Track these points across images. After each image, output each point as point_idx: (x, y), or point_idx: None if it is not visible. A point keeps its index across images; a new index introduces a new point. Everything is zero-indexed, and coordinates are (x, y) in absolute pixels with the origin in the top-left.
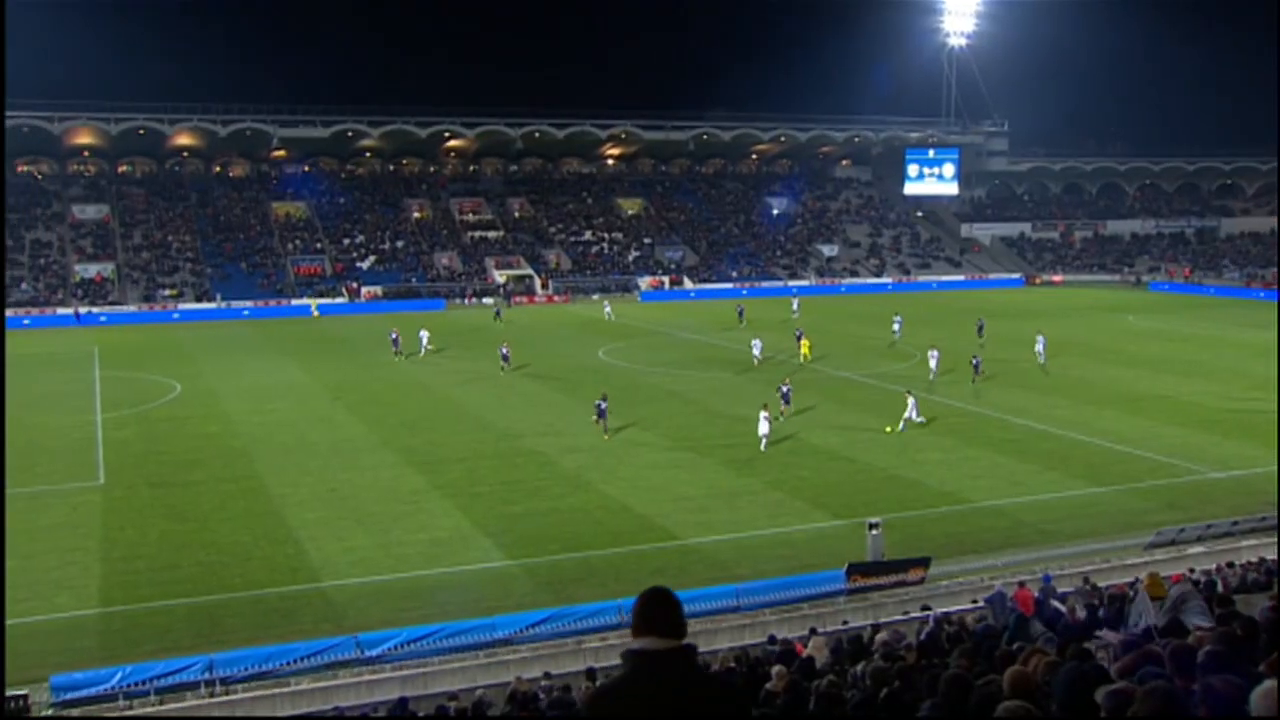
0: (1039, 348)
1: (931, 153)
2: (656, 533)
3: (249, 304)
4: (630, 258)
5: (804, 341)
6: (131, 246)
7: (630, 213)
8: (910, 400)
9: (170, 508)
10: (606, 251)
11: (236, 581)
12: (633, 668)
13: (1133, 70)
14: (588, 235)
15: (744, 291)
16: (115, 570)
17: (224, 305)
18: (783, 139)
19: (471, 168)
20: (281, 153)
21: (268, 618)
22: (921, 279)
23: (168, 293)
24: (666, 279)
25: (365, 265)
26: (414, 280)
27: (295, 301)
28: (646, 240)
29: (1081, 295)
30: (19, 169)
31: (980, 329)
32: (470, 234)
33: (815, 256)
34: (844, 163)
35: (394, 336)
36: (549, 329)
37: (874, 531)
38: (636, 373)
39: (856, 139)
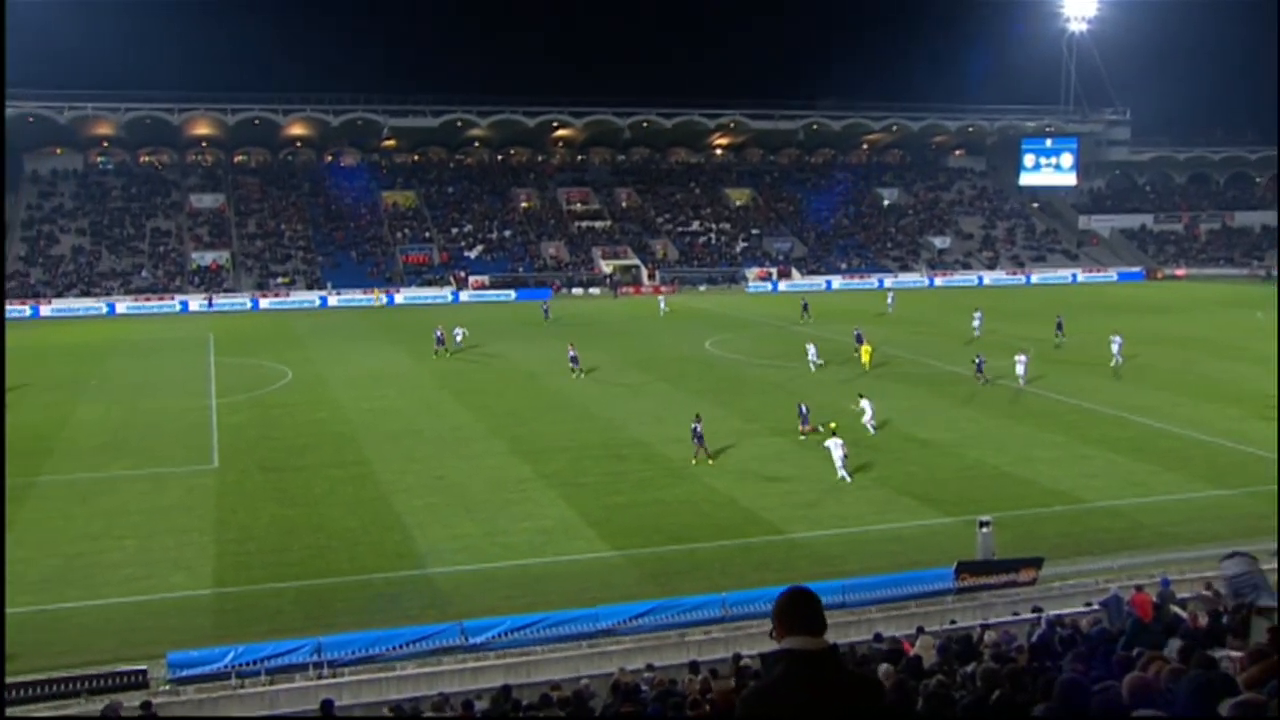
0: (1114, 348)
1: (1049, 142)
2: (762, 526)
3: (296, 294)
4: (738, 249)
5: (865, 347)
6: (246, 235)
7: (738, 203)
8: (865, 404)
9: (281, 492)
10: (714, 242)
11: (345, 566)
12: (787, 668)
13: (1264, 54)
14: (695, 225)
15: (842, 284)
16: (228, 552)
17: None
18: (894, 128)
19: (579, 157)
20: (391, 142)
21: (374, 602)
22: (1037, 272)
23: (280, 280)
24: (774, 270)
25: (473, 255)
26: (521, 270)
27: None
28: (754, 231)
29: (1206, 290)
30: (141, 159)
31: (1059, 326)
32: (577, 224)
33: (926, 249)
34: (957, 153)
35: (438, 334)
36: (655, 319)
37: (984, 529)
38: (742, 364)
39: (970, 128)
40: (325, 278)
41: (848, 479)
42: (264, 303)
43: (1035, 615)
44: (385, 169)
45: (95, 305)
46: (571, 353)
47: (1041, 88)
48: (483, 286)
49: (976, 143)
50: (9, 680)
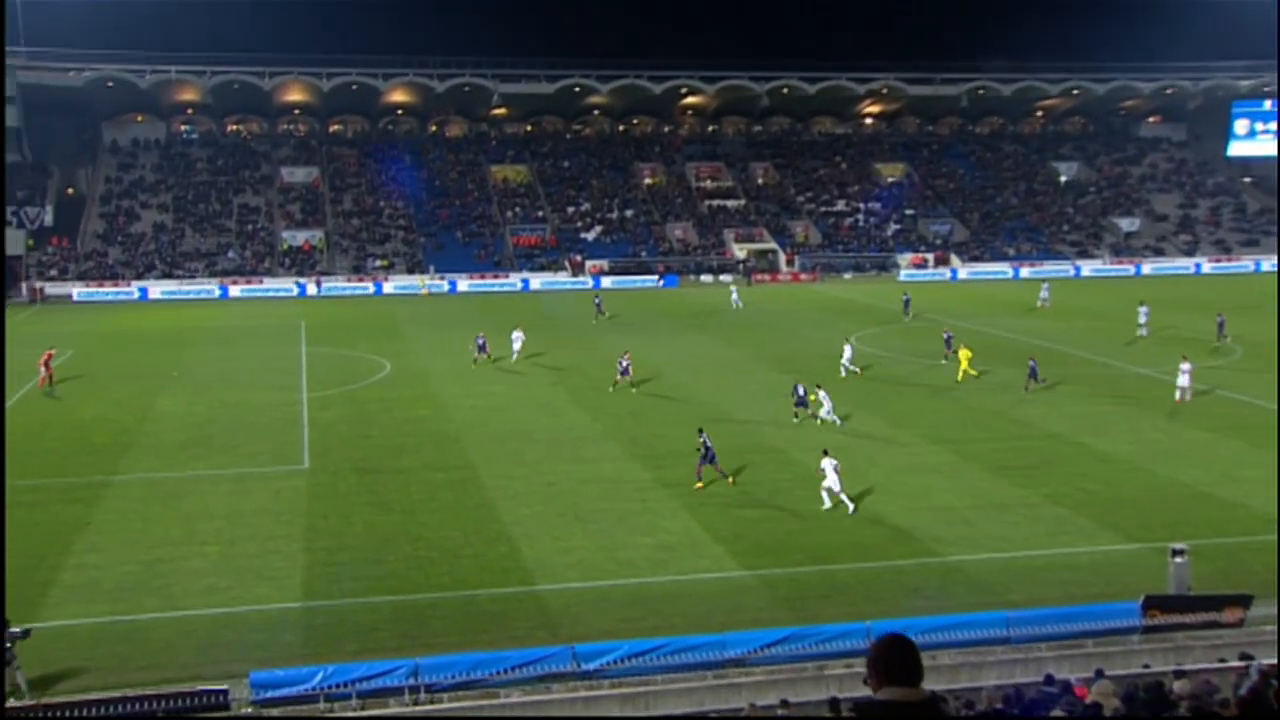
0: None
1: (1268, 104)
2: (912, 547)
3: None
4: (889, 231)
5: (964, 352)
6: (341, 212)
7: (890, 179)
8: (822, 394)
9: (376, 496)
10: (862, 224)
11: (445, 580)
12: None
13: None
14: (840, 205)
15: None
16: (318, 561)
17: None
18: (1075, 92)
19: (710, 128)
20: (502, 111)
21: (477, 621)
22: (1248, 260)
23: (379, 263)
24: (931, 256)
25: (590, 236)
26: (644, 254)
27: (402, 280)
28: (909, 211)
29: None
30: (228, 129)
31: (1221, 326)
32: (707, 203)
33: (1111, 232)
34: (1151, 119)
35: (480, 341)
36: (794, 311)
37: (1178, 559)
38: (890, 362)
39: (1169, 90)
40: (428, 260)
41: (850, 506)
42: (387, 287)
43: (1243, 663)
44: (495, 140)
45: (208, 288)
46: (623, 363)
47: (1261, 39)
48: (601, 272)
49: (1176, 107)
50: (79, 698)
